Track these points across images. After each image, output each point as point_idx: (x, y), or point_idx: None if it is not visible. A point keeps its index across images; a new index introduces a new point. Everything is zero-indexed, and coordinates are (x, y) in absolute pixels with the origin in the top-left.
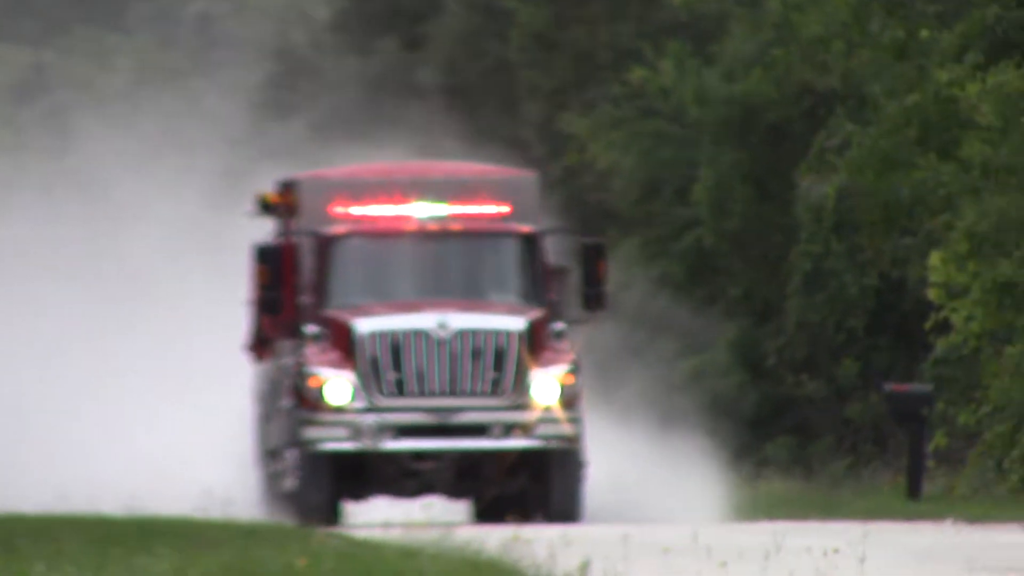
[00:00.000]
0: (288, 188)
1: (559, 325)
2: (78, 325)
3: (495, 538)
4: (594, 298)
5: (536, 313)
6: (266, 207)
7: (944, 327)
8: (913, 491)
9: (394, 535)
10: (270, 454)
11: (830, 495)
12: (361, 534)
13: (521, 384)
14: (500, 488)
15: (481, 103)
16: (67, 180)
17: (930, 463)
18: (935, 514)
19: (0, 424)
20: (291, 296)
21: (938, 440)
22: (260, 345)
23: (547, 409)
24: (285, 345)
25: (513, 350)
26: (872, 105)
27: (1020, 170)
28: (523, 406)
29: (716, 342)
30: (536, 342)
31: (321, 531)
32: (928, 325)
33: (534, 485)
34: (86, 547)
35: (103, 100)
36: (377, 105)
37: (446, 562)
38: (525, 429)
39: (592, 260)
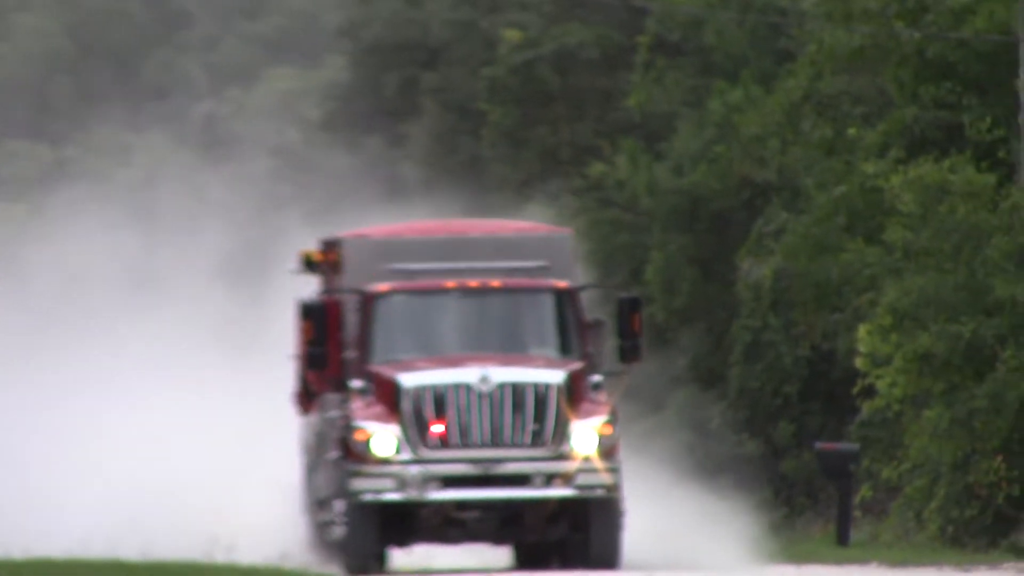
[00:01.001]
0: (331, 246)
1: (596, 377)
2: (135, 384)
3: None
4: (630, 350)
5: (574, 365)
6: (309, 265)
7: (869, 392)
8: (842, 539)
9: None
10: (318, 504)
11: (768, 543)
12: None
13: (561, 435)
14: (541, 536)
15: (455, 194)
16: (115, 248)
17: (857, 513)
18: (861, 559)
19: (65, 471)
20: (336, 351)
21: (864, 493)
22: (306, 398)
23: (586, 459)
24: (331, 398)
25: (552, 402)
26: (805, 196)
27: (937, 253)
28: (563, 456)
29: (667, 405)
30: (575, 394)
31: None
32: (855, 390)
33: (574, 533)
34: None
35: (120, 190)
36: (364, 194)
37: None
38: (565, 478)
39: (627, 314)
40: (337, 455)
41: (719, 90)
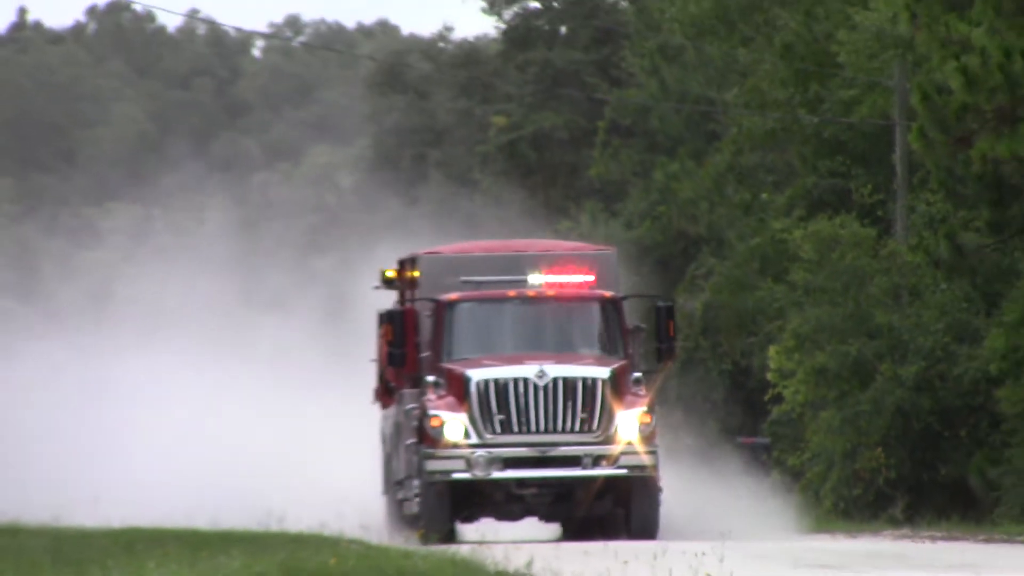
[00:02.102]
0: (408, 263)
1: (637, 373)
2: (243, 385)
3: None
4: (667, 351)
5: (618, 363)
6: (387, 281)
7: (778, 399)
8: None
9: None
10: (396, 484)
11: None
12: (420, 547)
13: (607, 422)
14: (589, 510)
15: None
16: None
17: None
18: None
19: (179, 455)
20: (413, 352)
21: (774, 477)
22: (385, 394)
23: (629, 443)
24: (408, 393)
25: (600, 394)
26: (728, 245)
27: (830, 290)
28: (609, 440)
29: None
30: (619, 387)
31: (348, 540)
32: (767, 397)
33: (617, 508)
34: (184, 551)
35: (196, 240)
36: (386, 244)
37: (433, 560)
38: (611, 460)
39: (664, 319)
40: (414, 440)
41: (661, 164)
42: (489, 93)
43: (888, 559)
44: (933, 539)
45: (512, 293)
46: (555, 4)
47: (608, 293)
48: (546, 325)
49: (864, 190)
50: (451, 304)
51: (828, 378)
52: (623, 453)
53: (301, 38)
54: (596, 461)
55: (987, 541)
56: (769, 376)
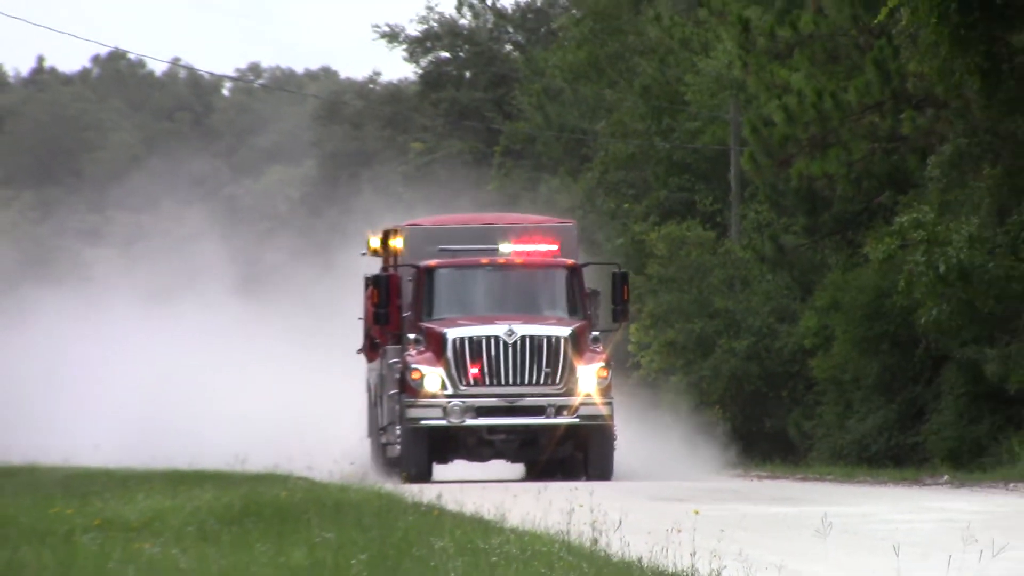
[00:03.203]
0: (391, 233)
1: (595, 333)
2: (247, 345)
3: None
4: (621, 313)
5: (578, 324)
6: (374, 251)
7: (638, 366)
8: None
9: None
10: (380, 430)
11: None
12: (375, 482)
13: (568, 376)
14: (552, 454)
15: None
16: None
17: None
18: None
19: (177, 398)
20: (396, 312)
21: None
22: (371, 349)
23: (587, 395)
24: (390, 349)
25: (562, 351)
26: (597, 245)
27: (679, 280)
28: (570, 393)
29: None
30: (579, 345)
31: (296, 477)
32: (628, 364)
33: (577, 452)
34: (167, 486)
35: (176, 240)
36: (330, 243)
37: (363, 493)
38: (571, 410)
39: (619, 285)
40: (396, 391)
41: (545, 180)
42: (409, 124)
43: (726, 494)
44: (760, 478)
45: (485, 260)
46: (461, 54)
47: (570, 261)
48: (515, 289)
49: (706, 201)
50: (430, 270)
51: (677, 350)
52: (582, 404)
53: (261, 80)
54: (558, 411)
55: (802, 479)
56: (630, 348)
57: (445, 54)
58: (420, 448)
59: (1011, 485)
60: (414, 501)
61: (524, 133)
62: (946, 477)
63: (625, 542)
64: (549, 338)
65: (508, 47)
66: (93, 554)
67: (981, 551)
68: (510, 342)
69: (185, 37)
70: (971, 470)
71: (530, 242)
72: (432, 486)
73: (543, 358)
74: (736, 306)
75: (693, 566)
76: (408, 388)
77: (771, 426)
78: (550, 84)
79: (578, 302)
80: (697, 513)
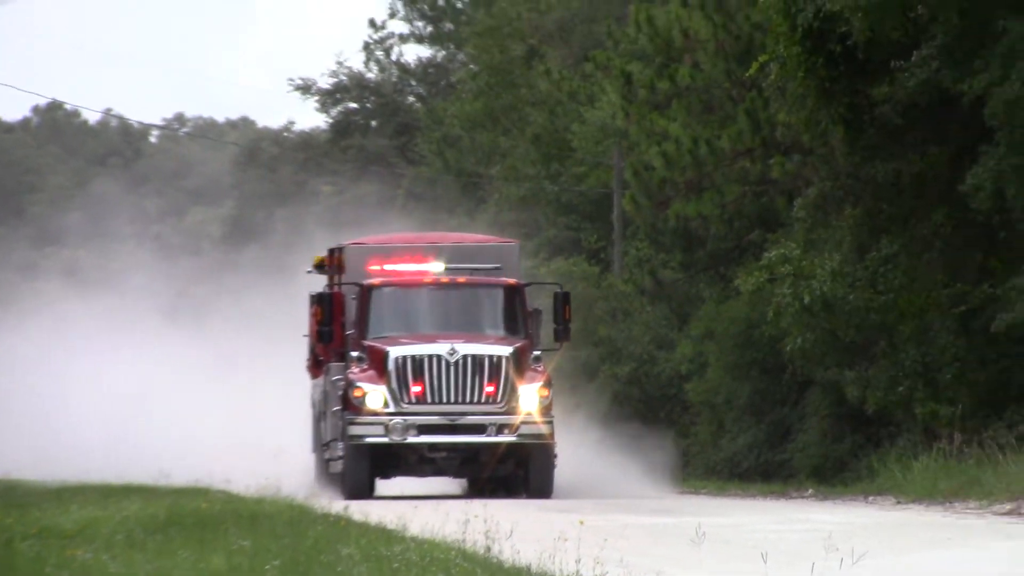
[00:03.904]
0: (335, 252)
1: (536, 352)
2: (200, 355)
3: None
4: (563, 332)
5: (520, 343)
6: (320, 266)
7: None
8: None
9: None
10: (324, 445)
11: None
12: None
13: (510, 395)
14: (492, 472)
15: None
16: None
17: None
18: None
19: (131, 418)
20: (340, 330)
21: None
22: (315, 366)
23: (528, 414)
24: (334, 366)
25: (503, 370)
26: None
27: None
28: (511, 411)
29: None
30: (520, 364)
31: (216, 490)
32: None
33: (518, 470)
34: (98, 498)
35: (114, 274)
36: (254, 274)
37: (277, 504)
38: (512, 428)
39: (560, 304)
40: (339, 408)
41: (444, 221)
42: (320, 169)
43: (610, 506)
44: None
45: (428, 279)
46: (368, 105)
47: (512, 280)
48: (457, 308)
49: (591, 239)
50: (373, 288)
51: (564, 375)
52: (523, 422)
53: (185, 129)
54: (500, 429)
55: (680, 493)
56: None
57: (353, 105)
58: (362, 465)
59: (870, 498)
60: (323, 512)
61: (425, 177)
62: (811, 491)
63: (516, 550)
64: (491, 357)
65: (411, 99)
66: (31, 560)
67: (842, 559)
68: (452, 360)
69: (117, 90)
70: (833, 485)
71: (473, 261)
72: (373, 502)
73: (485, 377)
74: (618, 335)
75: (578, 572)
76: (351, 405)
77: (650, 445)
78: (449, 132)
79: (520, 321)
80: (582, 523)
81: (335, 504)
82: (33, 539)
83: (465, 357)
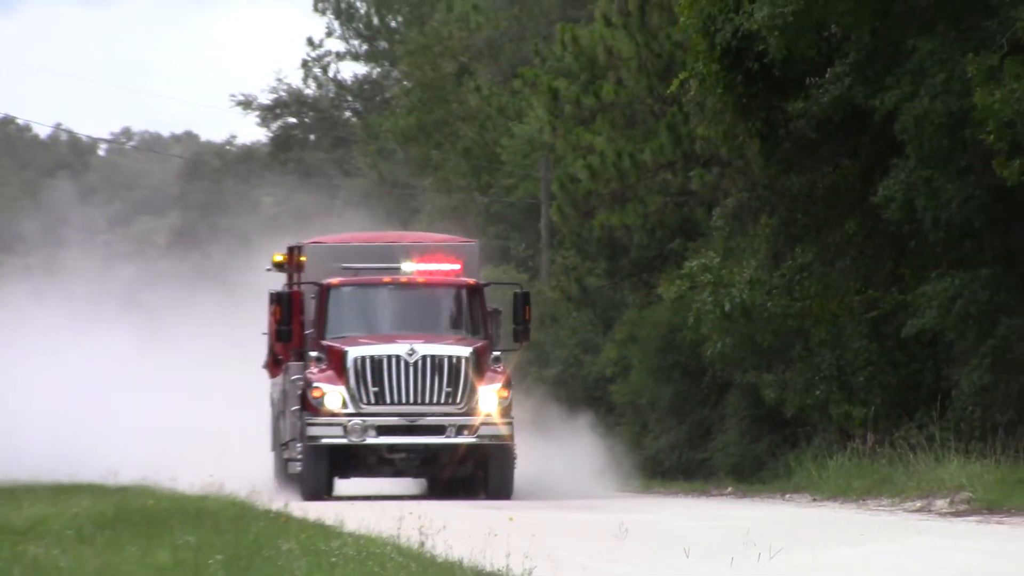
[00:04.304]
0: (295, 250)
1: (496, 352)
2: (155, 356)
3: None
4: (522, 332)
5: (480, 343)
6: (279, 265)
7: None
8: None
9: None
10: (283, 445)
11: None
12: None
13: (469, 396)
14: (452, 473)
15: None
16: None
17: None
18: None
19: (87, 418)
20: (299, 329)
21: None
22: (274, 364)
23: (488, 415)
24: (294, 365)
25: (463, 370)
26: None
27: None
28: (470, 412)
29: None
30: (480, 365)
31: (162, 489)
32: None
33: (478, 471)
34: (48, 495)
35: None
36: (196, 284)
37: (220, 501)
38: (472, 429)
39: (521, 305)
40: (298, 408)
41: (379, 230)
42: (261, 180)
43: (537, 504)
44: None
45: (387, 279)
46: (306, 120)
47: (472, 280)
48: (417, 308)
49: (519, 248)
50: (332, 288)
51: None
52: (483, 424)
53: (132, 143)
54: (459, 430)
55: (605, 491)
56: None
57: (293, 120)
58: (320, 465)
59: (787, 496)
60: (264, 508)
61: (361, 188)
62: (730, 489)
63: (448, 545)
64: (450, 357)
65: (348, 114)
66: None
67: (759, 553)
68: (411, 361)
69: (66, 105)
70: (752, 483)
71: (432, 261)
72: (327, 503)
73: (444, 377)
74: (546, 339)
75: (508, 566)
76: (309, 406)
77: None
78: (384, 146)
79: (480, 322)
80: (512, 519)
81: (275, 500)
82: None
83: (424, 357)
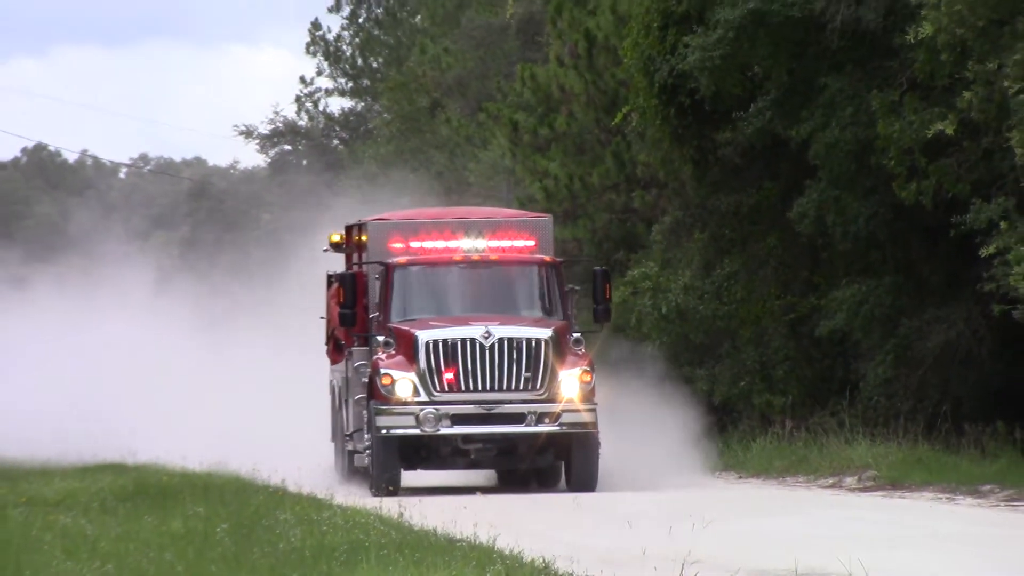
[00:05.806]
0: (355, 228)
1: (576, 334)
2: (222, 339)
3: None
4: (603, 312)
5: (559, 324)
6: (336, 245)
7: None
8: None
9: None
10: (346, 436)
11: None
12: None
13: (549, 381)
14: (531, 464)
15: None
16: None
17: None
18: None
19: (160, 403)
20: (362, 312)
21: None
22: (335, 351)
23: (570, 401)
24: (356, 351)
25: (542, 354)
26: None
27: None
28: (551, 398)
29: None
30: (560, 348)
31: (173, 466)
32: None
33: (558, 461)
34: (76, 473)
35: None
36: (206, 294)
37: (224, 477)
38: (553, 417)
39: (601, 283)
40: (363, 396)
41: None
42: (260, 200)
43: (501, 485)
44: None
45: (458, 257)
46: (300, 147)
47: (548, 257)
48: (490, 288)
49: None
50: (400, 267)
51: None
52: (564, 410)
53: (148, 166)
54: (539, 418)
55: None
56: None
57: (288, 147)
58: (391, 458)
59: (717, 474)
60: (263, 483)
61: (348, 206)
62: None
63: (423, 515)
64: (529, 340)
65: (336, 142)
66: (21, 524)
67: (694, 524)
68: (487, 345)
69: (91, 134)
70: None
71: (505, 238)
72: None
73: (522, 362)
74: None
75: (475, 534)
76: (378, 394)
77: None
78: (367, 170)
79: (557, 301)
80: (479, 492)
81: (273, 476)
82: (23, 507)
83: (501, 340)
